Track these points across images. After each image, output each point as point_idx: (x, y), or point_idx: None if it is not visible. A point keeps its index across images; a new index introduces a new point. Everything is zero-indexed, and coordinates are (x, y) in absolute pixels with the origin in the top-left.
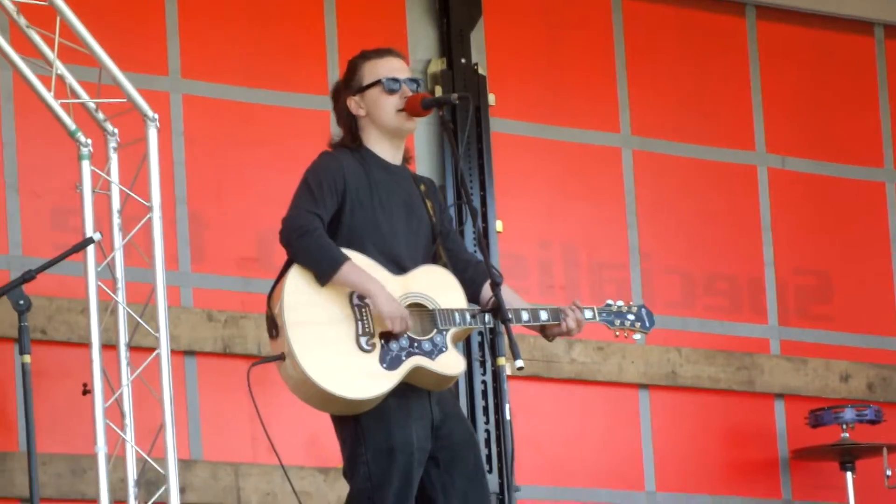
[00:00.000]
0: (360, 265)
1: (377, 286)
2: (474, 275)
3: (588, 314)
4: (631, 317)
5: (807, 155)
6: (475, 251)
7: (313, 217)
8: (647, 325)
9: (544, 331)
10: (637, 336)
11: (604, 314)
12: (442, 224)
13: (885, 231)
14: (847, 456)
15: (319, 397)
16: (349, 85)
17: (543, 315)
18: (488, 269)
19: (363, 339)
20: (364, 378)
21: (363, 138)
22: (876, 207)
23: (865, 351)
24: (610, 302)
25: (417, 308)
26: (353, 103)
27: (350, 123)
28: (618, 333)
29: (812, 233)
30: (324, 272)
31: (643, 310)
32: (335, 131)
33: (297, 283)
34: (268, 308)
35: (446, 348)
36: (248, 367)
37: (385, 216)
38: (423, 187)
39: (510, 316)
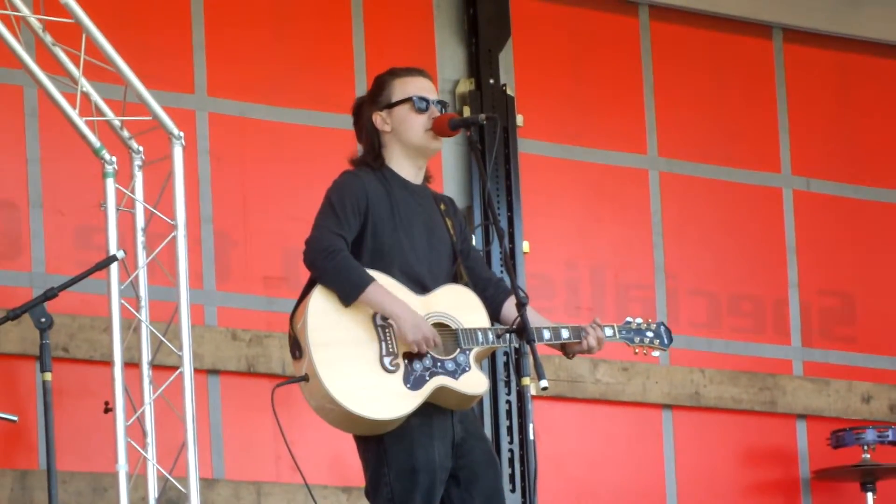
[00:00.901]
0: (385, 286)
1: (402, 309)
2: (495, 293)
3: (608, 332)
4: (650, 334)
5: (832, 177)
6: (502, 271)
7: (338, 238)
8: (666, 342)
9: (565, 348)
10: (656, 353)
11: (623, 332)
12: (462, 243)
13: None
14: (868, 477)
15: (343, 418)
16: (376, 100)
17: (565, 333)
18: (514, 289)
19: (387, 360)
20: (388, 398)
21: (385, 156)
22: None
23: (888, 373)
24: (630, 319)
25: (440, 328)
26: (380, 119)
27: (373, 140)
28: (637, 351)
29: (836, 254)
30: (349, 293)
31: (662, 327)
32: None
33: (321, 303)
34: (290, 328)
35: (469, 368)
36: (273, 388)
37: (407, 236)
38: (443, 206)
39: (534, 335)
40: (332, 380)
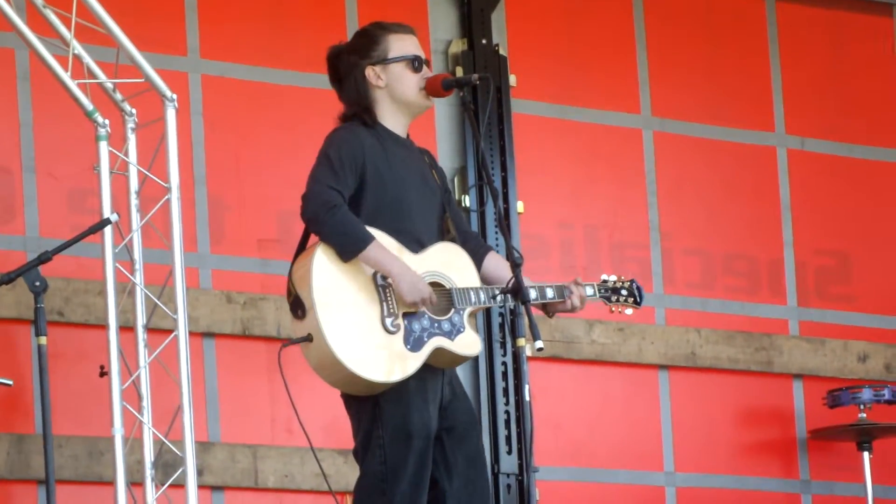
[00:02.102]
0: (384, 245)
1: (400, 268)
2: (475, 247)
3: (589, 291)
4: (624, 292)
5: (826, 136)
6: (496, 232)
7: (336, 193)
8: (639, 300)
9: (546, 308)
10: (629, 311)
11: (602, 290)
12: (444, 194)
13: None
14: (864, 436)
15: (346, 379)
16: (368, 54)
17: (549, 292)
18: (508, 250)
19: (388, 321)
20: (391, 360)
21: (376, 111)
22: (895, 188)
23: (884, 332)
24: (605, 277)
25: (434, 287)
26: (373, 73)
27: (363, 93)
28: (613, 309)
29: (831, 214)
30: (349, 249)
31: (634, 285)
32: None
33: (324, 263)
34: (291, 287)
35: (464, 328)
36: (279, 349)
37: (404, 191)
38: (426, 158)
39: (528, 296)
40: (337, 341)
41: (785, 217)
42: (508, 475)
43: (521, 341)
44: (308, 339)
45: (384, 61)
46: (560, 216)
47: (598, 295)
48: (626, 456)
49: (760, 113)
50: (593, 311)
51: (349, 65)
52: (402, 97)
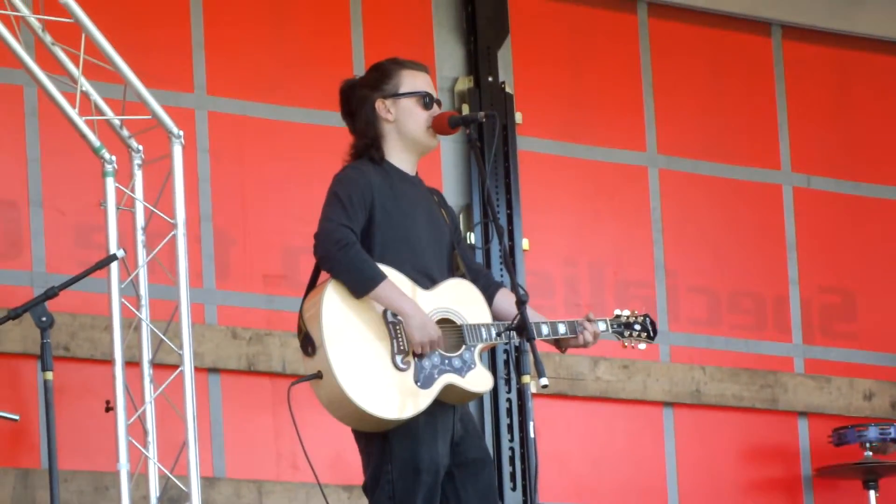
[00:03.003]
0: (396, 283)
1: (411, 307)
2: (486, 284)
3: (602, 326)
4: (638, 327)
5: (832, 174)
6: (502, 269)
7: (349, 231)
8: (652, 334)
9: (558, 343)
10: (642, 346)
11: (615, 325)
12: (454, 232)
13: None
14: (870, 475)
15: (356, 416)
16: (380, 87)
17: (562, 328)
18: (514, 287)
19: (398, 358)
20: (401, 397)
21: (384, 147)
22: None
23: (889, 370)
24: (618, 312)
25: (445, 323)
26: (383, 107)
27: (373, 126)
28: (626, 344)
29: (836, 251)
30: (362, 287)
31: (648, 319)
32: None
33: (335, 300)
34: (301, 324)
35: (475, 365)
36: (288, 387)
37: (413, 228)
38: (435, 198)
39: (534, 333)
40: (347, 378)
41: (790, 255)
42: None
43: (527, 378)
44: (318, 376)
45: (395, 95)
46: (565, 253)
47: (610, 330)
48: (631, 493)
49: (766, 151)
50: (598, 348)
51: (361, 97)
52: (409, 133)
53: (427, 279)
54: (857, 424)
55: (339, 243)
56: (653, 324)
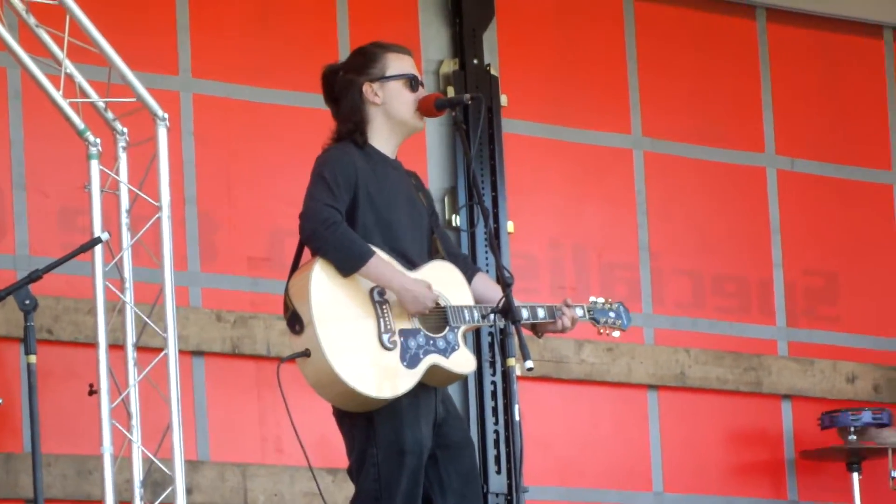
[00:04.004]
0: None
1: (402, 278)
2: (464, 268)
3: (579, 312)
4: (612, 314)
5: (815, 157)
6: (487, 251)
7: (334, 210)
8: (626, 322)
9: (535, 328)
10: (616, 333)
11: (591, 311)
12: (432, 216)
13: (892, 233)
14: (854, 457)
15: (343, 394)
16: (366, 72)
17: (541, 313)
18: (499, 269)
19: (385, 337)
20: (388, 376)
21: (368, 130)
22: (884, 209)
23: (872, 352)
24: (594, 299)
25: None
26: (370, 90)
27: (359, 110)
28: (601, 331)
29: (820, 234)
30: (351, 264)
31: (622, 307)
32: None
33: (322, 278)
34: (288, 303)
35: (458, 346)
36: (278, 363)
37: (394, 212)
38: (413, 181)
39: (519, 316)
40: (335, 356)
41: (774, 237)
42: (498, 495)
43: (511, 361)
44: (306, 353)
45: (382, 78)
46: (550, 236)
47: (587, 316)
48: (616, 476)
49: (751, 133)
50: (582, 331)
51: (346, 82)
52: (397, 115)
53: (407, 262)
54: (850, 409)
55: (325, 222)
56: (626, 312)
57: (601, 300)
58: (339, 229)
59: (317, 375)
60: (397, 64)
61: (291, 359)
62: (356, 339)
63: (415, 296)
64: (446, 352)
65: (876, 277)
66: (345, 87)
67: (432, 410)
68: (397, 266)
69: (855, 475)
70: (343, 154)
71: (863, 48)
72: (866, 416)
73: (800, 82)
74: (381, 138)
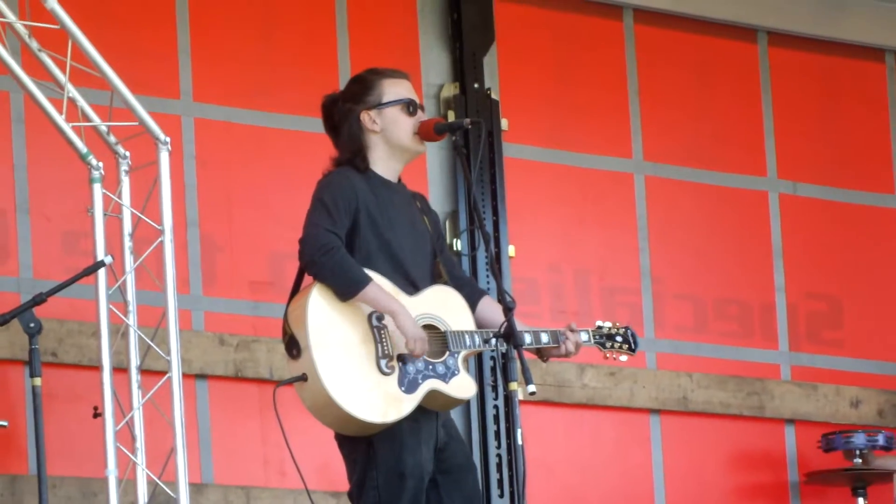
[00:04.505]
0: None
1: (399, 307)
2: (470, 292)
3: (584, 336)
4: (619, 339)
5: (818, 181)
6: (488, 276)
7: (333, 236)
8: (634, 347)
9: (540, 352)
10: (623, 357)
11: (597, 336)
12: (437, 239)
13: (895, 257)
14: (859, 482)
15: (340, 419)
16: (363, 99)
17: (545, 338)
18: (500, 294)
19: (383, 362)
20: (386, 401)
21: (369, 157)
22: (886, 233)
23: (876, 377)
24: (600, 324)
25: (429, 329)
26: (368, 118)
27: (358, 138)
28: (607, 356)
29: (823, 258)
30: (348, 290)
31: (629, 331)
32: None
33: (320, 303)
34: (286, 327)
35: (458, 371)
36: (274, 388)
37: (395, 236)
38: (418, 204)
39: (522, 340)
40: (332, 381)
41: (777, 262)
42: None
43: (514, 385)
44: (303, 378)
45: (379, 105)
46: (551, 260)
47: (592, 341)
48: (618, 500)
49: (752, 157)
50: (585, 355)
51: (344, 111)
52: (396, 141)
53: (410, 286)
54: (845, 431)
55: (323, 248)
56: (634, 336)
57: (608, 324)
58: (336, 255)
59: (314, 400)
60: (393, 90)
61: (288, 383)
62: (353, 364)
63: (413, 321)
64: (446, 377)
65: (879, 301)
66: (343, 116)
67: (433, 434)
68: (399, 293)
69: (860, 500)
70: (343, 178)
71: (865, 72)
72: (860, 439)
73: (801, 106)
74: (382, 164)
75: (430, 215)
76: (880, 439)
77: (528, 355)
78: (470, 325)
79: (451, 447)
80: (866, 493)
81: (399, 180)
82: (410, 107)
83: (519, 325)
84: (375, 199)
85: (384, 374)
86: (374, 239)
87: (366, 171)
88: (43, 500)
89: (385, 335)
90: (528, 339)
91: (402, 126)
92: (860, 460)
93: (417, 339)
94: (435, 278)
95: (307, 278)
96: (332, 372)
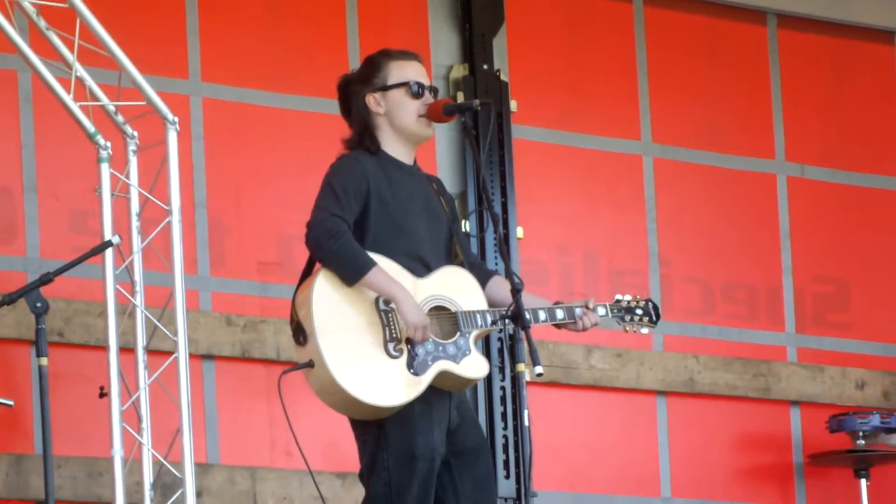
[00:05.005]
0: (387, 270)
1: (402, 292)
2: (477, 277)
3: (601, 311)
4: (640, 311)
5: (826, 163)
6: (496, 257)
7: (340, 220)
8: (655, 318)
9: (557, 325)
10: (644, 330)
11: (615, 310)
12: (454, 222)
13: None
14: (862, 463)
15: (348, 404)
16: (370, 81)
17: (560, 314)
18: (509, 275)
19: (391, 345)
20: (393, 385)
21: (379, 138)
22: (894, 216)
23: (882, 359)
24: (619, 297)
25: (440, 311)
26: (373, 100)
27: (366, 121)
28: (627, 329)
29: (830, 241)
30: (352, 275)
31: (650, 304)
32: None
33: (325, 289)
34: (293, 313)
35: (470, 351)
36: (280, 375)
37: (409, 218)
38: (434, 186)
39: (529, 317)
40: (338, 367)
41: (784, 244)
42: (507, 500)
43: (521, 366)
44: (310, 364)
45: (383, 88)
46: (559, 242)
47: (610, 315)
48: (624, 481)
49: (761, 140)
50: (592, 336)
51: (354, 93)
52: (400, 124)
53: (423, 267)
54: (857, 411)
55: (328, 233)
56: (656, 308)
57: (628, 297)
58: (340, 239)
59: (321, 386)
60: (399, 72)
61: (294, 370)
62: (360, 349)
63: (415, 306)
64: (456, 357)
65: (886, 284)
66: (353, 97)
67: (446, 416)
68: (408, 276)
69: (863, 481)
70: (354, 162)
71: (873, 54)
72: (875, 420)
73: (810, 88)
74: (392, 145)
75: (447, 198)
76: (893, 421)
77: (545, 337)
78: (481, 304)
79: (464, 429)
80: (869, 474)
81: (415, 162)
82: (415, 89)
83: (534, 301)
84: (387, 182)
85: (392, 357)
86: (386, 221)
87: (377, 153)
88: (48, 480)
89: (393, 318)
90: (542, 315)
91: (406, 109)
92: (863, 441)
93: (418, 327)
94: (451, 259)
95: (318, 265)
96: (338, 357)
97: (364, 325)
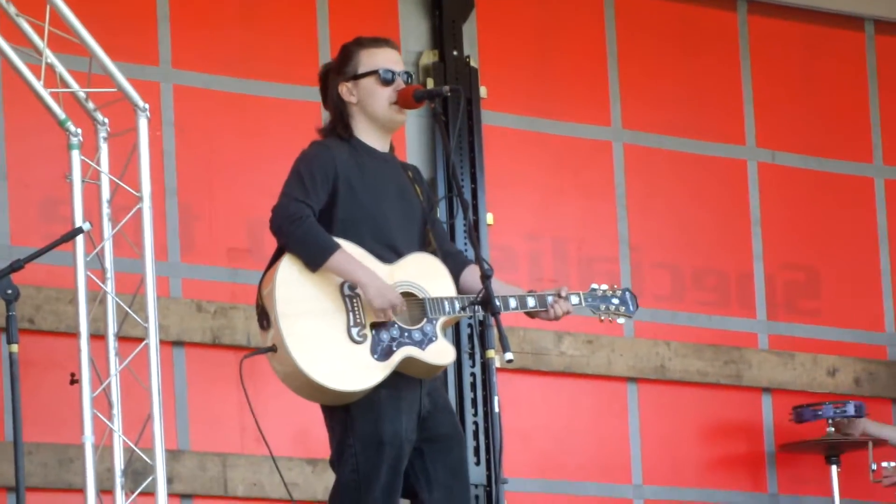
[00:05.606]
0: (353, 254)
1: (367, 275)
2: (453, 266)
3: (574, 300)
4: (615, 300)
5: (797, 150)
6: (466, 244)
7: (304, 206)
8: (632, 308)
9: (529, 313)
10: (621, 320)
11: (589, 299)
12: (430, 210)
13: (873, 226)
14: (832, 450)
15: (310, 388)
16: (342, 71)
17: (531, 302)
18: (479, 261)
19: (354, 330)
20: (356, 370)
21: (353, 126)
22: (865, 203)
23: (853, 346)
24: (595, 286)
25: (408, 297)
26: (345, 90)
27: (340, 109)
28: (602, 318)
29: (801, 228)
30: (315, 259)
31: (627, 293)
32: (326, 118)
33: (289, 274)
34: (258, 298)
35: (436, 337)
36: (240, 359)
37: (380, 204)
38: (410, 174)
39: (499, 303)
40: (299, 351)
41: (755, 231)
42: (477, 486)
43: (491, 352)
44: (272, 349)
45: (354, 77)
46: (529, 228)
47: (584, 304)
48: (595, 468)
49: (731, 126)
50: (562, 323)
51: (328, 82)
52: (372, 112)
53: (393, 254)
54: (813, 403)
55: (291, 217)
56: (633, 298)
57: (604, 287)
58: (303, 224)
59: (284, 370)
60: (368, 60)
61: (257, 354)
62: (323, 334)
63: (378, 290)
64: (422, 343)
65: (857, 271)
66: (329, 87)
67: (416, 403)
68: (375, 261)
69: (834, 468)
70: (322, 149)
71: (844, 41)
72: (828, 411)
73: (781, 75)
74: (366, 133)
75: (423, 186)
76: (850, 409)
77: (516, 323)
78: (450, 291)
79: (437, 416)
80: (839, 460)
81: (391, 150)
82: (385, 75)
83: (505, 289)
84: (358, 168)
85: (356, 342)
86: (354, 207)
87: (350, 140)
88: (19, 467)
89: (357, 304)
90: (512, 303)
91: (376, 97)
92: (832, 429)
93: (386, 309)
94: (425, 247)
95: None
96: (300, 342)
97: (328, 309)
